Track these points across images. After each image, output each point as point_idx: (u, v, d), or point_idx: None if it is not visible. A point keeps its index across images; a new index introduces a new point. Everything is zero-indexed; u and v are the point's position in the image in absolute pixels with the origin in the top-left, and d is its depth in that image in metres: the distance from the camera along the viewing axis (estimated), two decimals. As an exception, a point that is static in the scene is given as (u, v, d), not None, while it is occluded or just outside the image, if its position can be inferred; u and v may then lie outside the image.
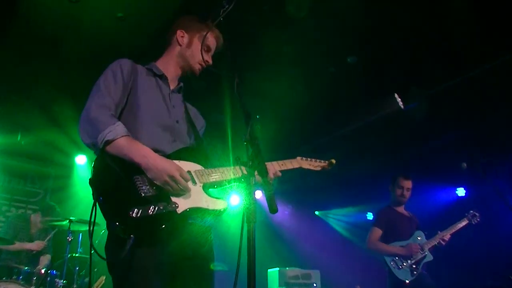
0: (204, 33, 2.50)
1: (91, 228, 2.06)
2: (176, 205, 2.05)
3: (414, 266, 4.87)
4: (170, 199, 2.06)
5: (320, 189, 9.65)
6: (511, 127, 6.65)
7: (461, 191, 8.18)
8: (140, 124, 2.26)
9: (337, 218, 10.96)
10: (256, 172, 1.71)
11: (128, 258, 1.95)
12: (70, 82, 6.21)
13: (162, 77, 2.51)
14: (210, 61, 2.63)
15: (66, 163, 8.24)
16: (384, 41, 5.58)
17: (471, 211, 5.34)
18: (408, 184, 5.29)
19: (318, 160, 2.83)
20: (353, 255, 9.27)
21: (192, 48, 2.56)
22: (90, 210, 2.06)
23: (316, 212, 11.16)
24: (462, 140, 7.21)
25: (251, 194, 1.63)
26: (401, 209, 5.36)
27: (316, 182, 8.96)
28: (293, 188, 9.39)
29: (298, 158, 2.77)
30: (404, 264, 4.88)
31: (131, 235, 1.90)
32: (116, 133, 2.05)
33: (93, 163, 2.10)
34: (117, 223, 1.92)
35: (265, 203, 1.59)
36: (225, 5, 2.22)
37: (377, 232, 5.16)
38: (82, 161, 8.16)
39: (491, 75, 5.80)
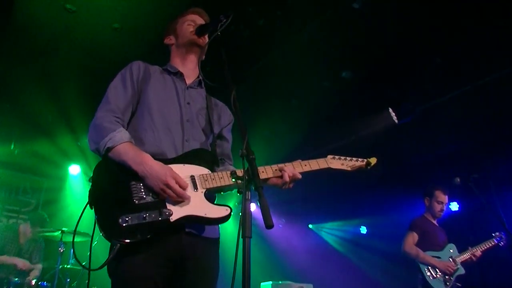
0: (181, 17, 2.56)
1: (74, 236, 2.09)
2: (170, 212, 2.00)
3: (447, 277, 4.94)
4: (166, 206, 2.01)
5: (313, 202, 9.63)
6: (503, 140, 6.70)
7: (454, 206, 8.21)
8: (149, 125, 2.24)
9: (330, 232, 10.94)
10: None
11: (116, 265, 1.97)
12: (65, 93, 6.19)
13: (177, 74, 2.48)
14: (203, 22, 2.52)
15: (59, 173, 8.18)
16: (378, 56, 5.63)
17: (497, 233, 5.33)
18: (446, 199, 5.35)
19: (353, 159, 2.44)
20: (346, 269, 9.24)
21: (180, 33, 2.54)
22: (86, 222, 2.05)
23: (310, 226, 11.13)
24: (455, 154, 7.24)
25: (246, 208, 1.60)
26: (434, 221, 5.41)
27: (310, 195, 8.94)
28: (286, 201, 9.36)
29: (329, 157, 2.40)
30: (439, 274, 4.94)
31: (118, 244, 1.90)
32: (115, 140, 2.06)
33: (94, 167, 2.09)
34: (104, 231, 1.91)
35: (259, 215, 1.57)
36: (223, 19, 2.23)
37: (415, 236, 5.18)
38: (75, 171, 8.09)
39: (484, 88, 5.86)
